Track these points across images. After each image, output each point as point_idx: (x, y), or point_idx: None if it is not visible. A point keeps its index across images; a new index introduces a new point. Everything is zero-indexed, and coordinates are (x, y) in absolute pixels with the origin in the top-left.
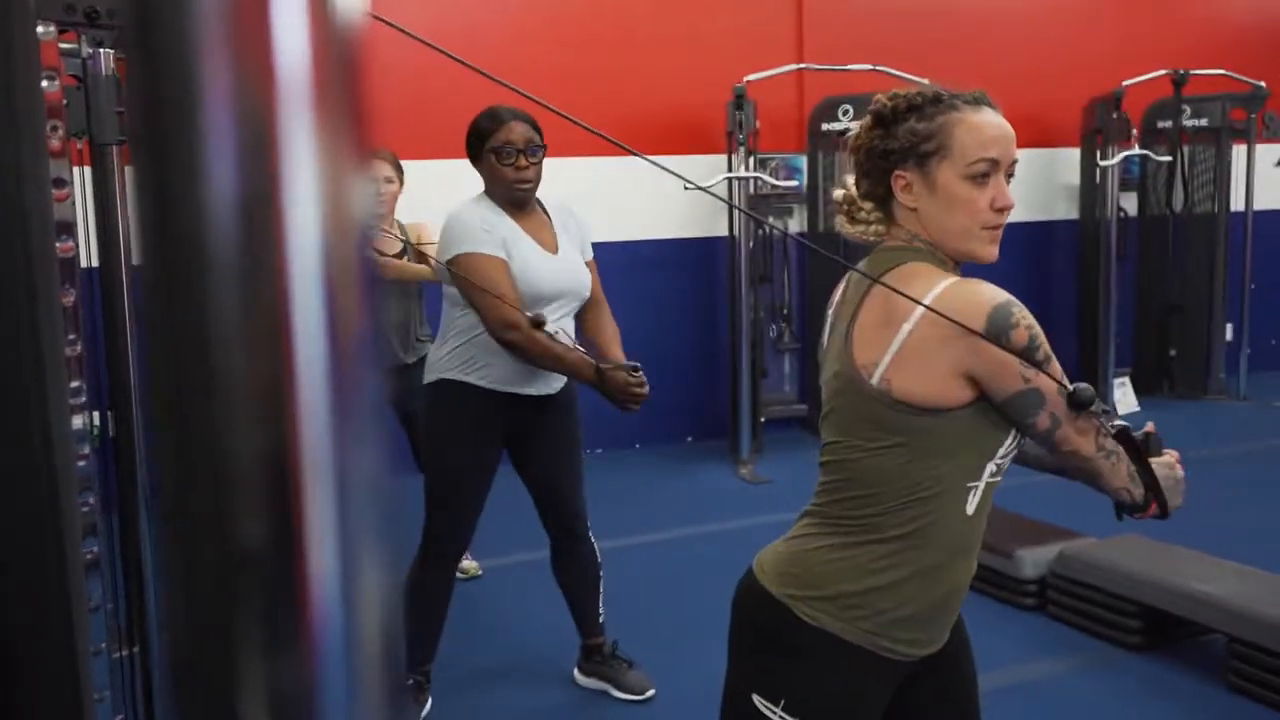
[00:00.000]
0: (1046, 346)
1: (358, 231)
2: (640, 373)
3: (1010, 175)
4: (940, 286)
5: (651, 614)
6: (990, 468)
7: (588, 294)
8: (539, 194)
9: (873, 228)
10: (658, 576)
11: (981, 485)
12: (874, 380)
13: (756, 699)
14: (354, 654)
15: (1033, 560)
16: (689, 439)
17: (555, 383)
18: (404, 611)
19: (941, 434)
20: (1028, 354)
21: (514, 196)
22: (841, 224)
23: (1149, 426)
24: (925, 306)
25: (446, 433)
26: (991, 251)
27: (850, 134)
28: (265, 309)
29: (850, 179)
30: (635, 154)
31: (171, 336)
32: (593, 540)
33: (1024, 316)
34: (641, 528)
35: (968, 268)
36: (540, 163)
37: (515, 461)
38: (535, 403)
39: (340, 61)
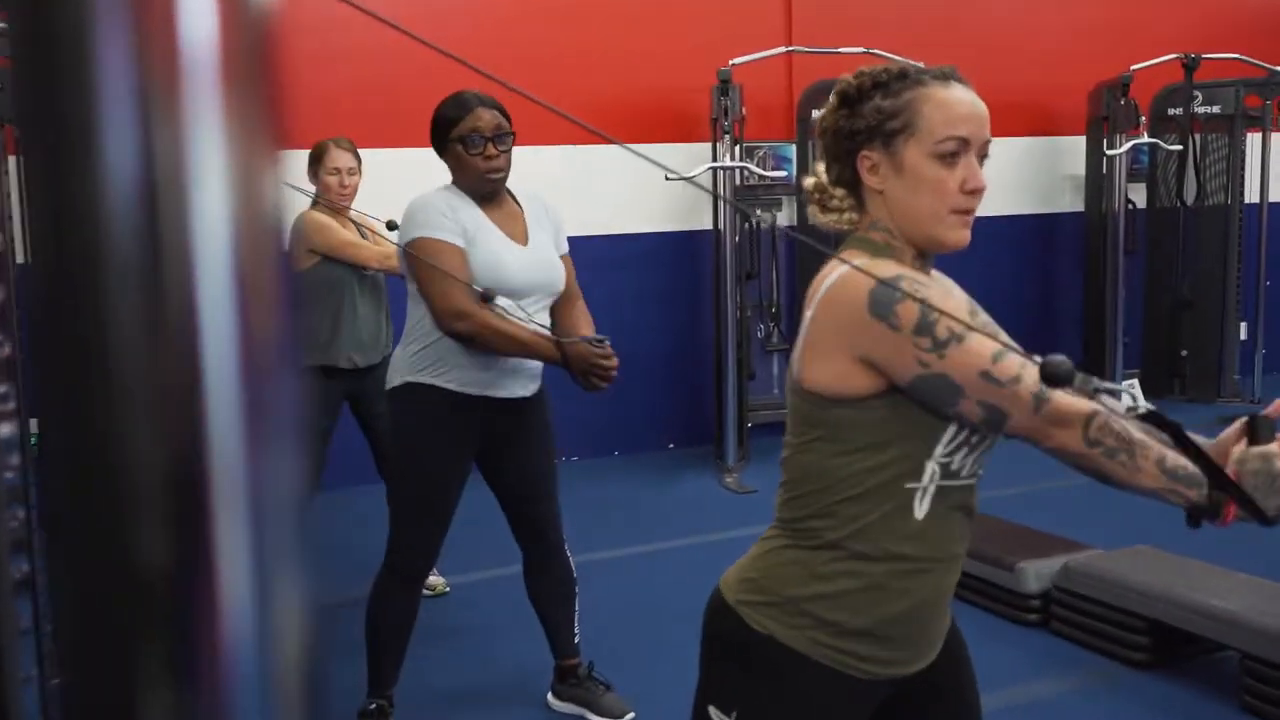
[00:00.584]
0: (957, 325)
1: (271, 226)
2: (606, 344)
3: (984, 156)
4: (840, 270)
5: (630, 632)
6: (931, 468)
7: (561, 288)
8: (510, 184)
9: (845, 215)
10: (637, 592)
11: (928, 487)
12: (794, 372)
13: (712, 710)
14: (270, 688)
15: (1035, 573)
16: (671, 446)
17: (528, 385)
18: (367, 634)
19: (858, 426)
20: (921, 332)
21: (483, 187)
22: (814, 213)
23: (1273, 408)
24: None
25: (415, 440)
26: (962, 236)
27: (818, 116)
28: (168, 308)
29: (820, 165)
30: (614, 142)
31: (65, 337)
32: (568, 554)
33: (916, 290)
34: (620, 540)
35: (984, 260)
36: (510, 151)
37: (486, 470)
38: (507, 406)
39: (252, 41)
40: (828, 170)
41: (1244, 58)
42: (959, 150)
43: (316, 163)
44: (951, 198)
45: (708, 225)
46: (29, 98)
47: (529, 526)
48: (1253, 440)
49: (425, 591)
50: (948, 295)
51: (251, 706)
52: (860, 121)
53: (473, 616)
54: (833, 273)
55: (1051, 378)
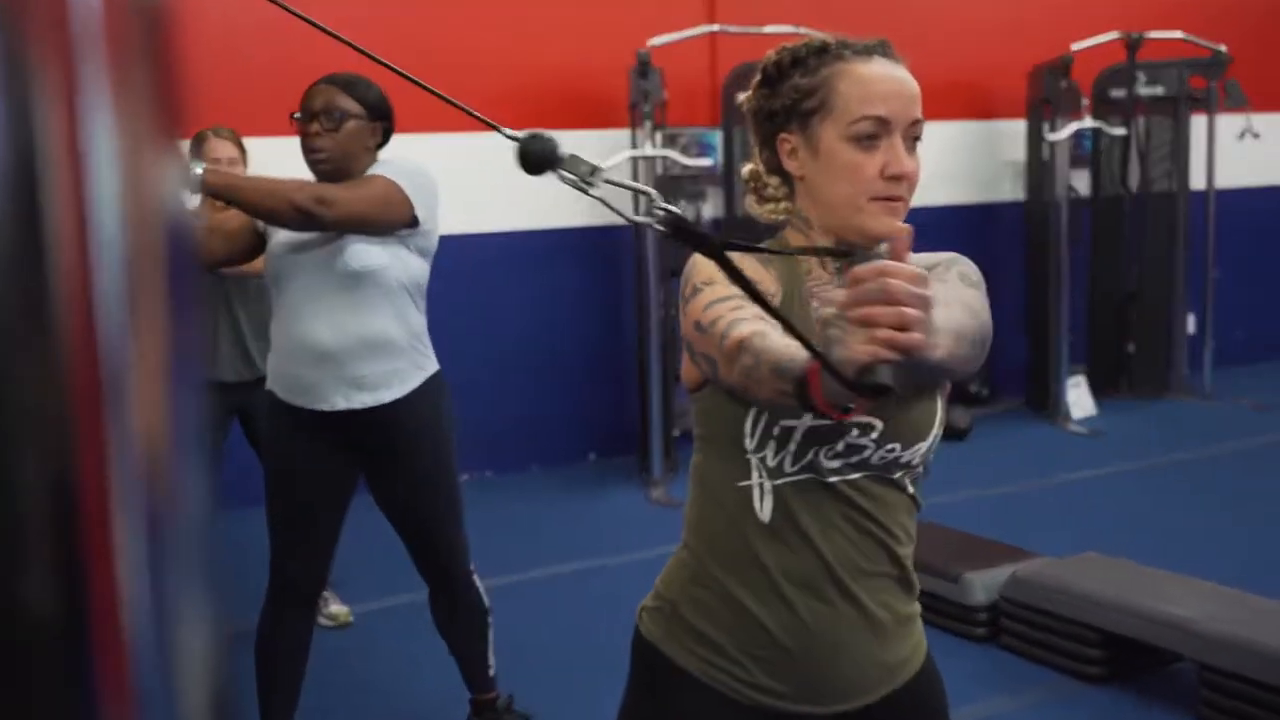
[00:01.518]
0: (704, 278)
1: (164, 216)
2: None
3: (914, 139)
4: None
5: (553, 660)
6: (754, 463)
7: (411, 276)
8: (387, 170)
9: (781, 205)
10: (559, 617)
11: (762, 485)
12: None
13: None
14: None
15: (982, 584)
16: (592, 457)
17: (350, 395)
18: (256, 667)
19: (698, 419)
20: (685, 298)
21: (311, 169)
22: (750, 203)
23: (897, 231)
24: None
25: (272, 453)
26: (886, 224)
27: (743, 97)
28: (48, 309)
29: (757, 151)
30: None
31: None
32: (476, 583)
33: (700, 271)
34: (539, 561)
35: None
36: (340, 132)
37: (371, 492)
38: (341, 422)
39: (145, 10)
40: (760, 156)
41: (1188, 36)
42: (878, 132)
43: (194, 153)
44: (870, 184)
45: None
46: None
47: (425, 556)
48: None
49: (325, 621)
50: (711, 262)
51: None
52: (778, 101)
53: (381, 648)
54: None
55: (531, 156)
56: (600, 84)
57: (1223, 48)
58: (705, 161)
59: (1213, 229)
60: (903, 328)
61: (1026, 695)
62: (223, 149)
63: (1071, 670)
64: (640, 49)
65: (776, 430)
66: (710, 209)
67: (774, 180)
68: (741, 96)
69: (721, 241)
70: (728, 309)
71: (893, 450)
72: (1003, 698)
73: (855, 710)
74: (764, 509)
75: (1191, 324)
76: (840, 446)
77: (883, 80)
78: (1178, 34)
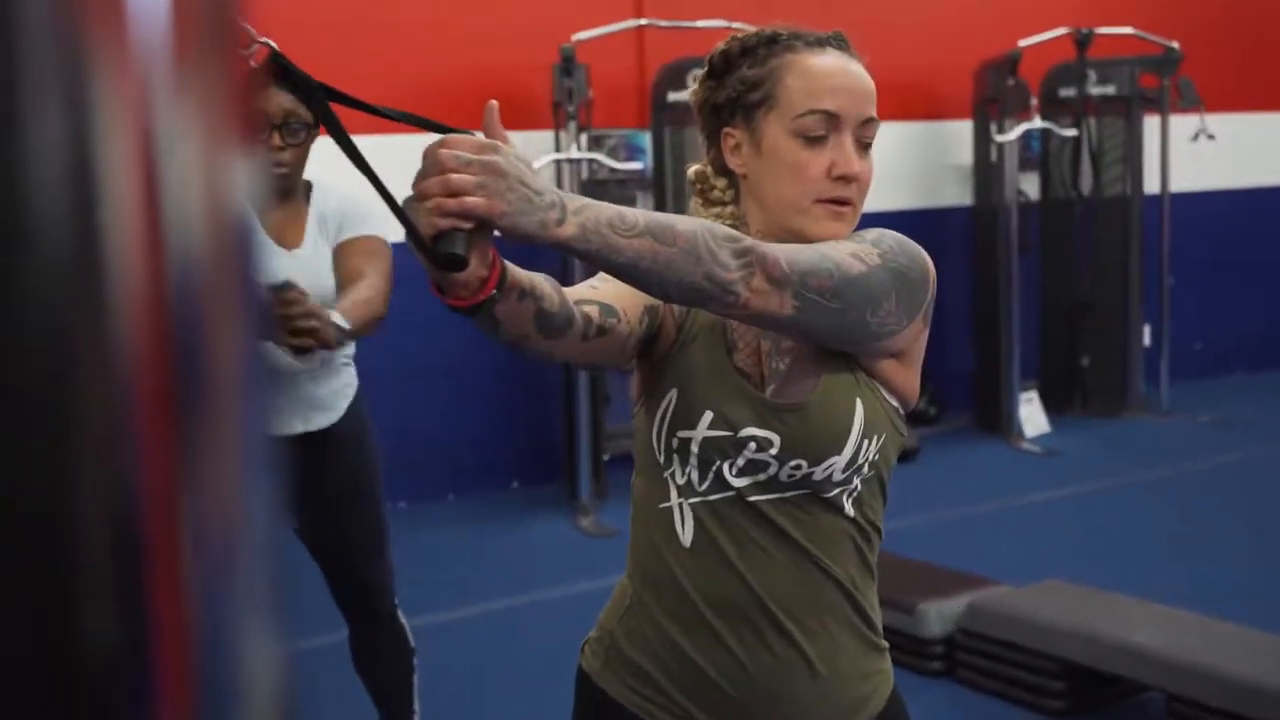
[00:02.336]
0: None
1: (235, 222)
2: (294, 291)
3: (867, 138)
4: None
5: (481, 703)
6: (669, 482)
7: (329, 292)
8: (317, 178)
9: (729, 208)
10: (485, 657)
11: (680, 505)
12: None
13: None
14: None
15: (938, 615)
16: (515, 484)
17: (309, 417)
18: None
19: (634, 437)
20: None
21: (270, 182)
22: (695, 207)
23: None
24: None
25: None
26: (830, 229)
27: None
28: (106, 322)
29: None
30: (434, 126)
31: None
32: (401, 620)
33: None
34: (462, 598)
35: None
36: (302, 144)
37: (292, 519)
38: (302, 445)
39: (212, 9)
40: (708, 154)
41: (1139, 32)
42: (826, 128)
43: None
44: (815, 185)
45: None
46: None
47: (348, 590)
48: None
49: None
50: None
51: None
52: (724, 94)
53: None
54: None
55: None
56: (521, 82)
57: (1175, 44)
58: (635, 165)
59: (1167, 235)
60: (454, 194)
61: None
62: None
63: (1033, 704)
64: (564, 44)
65: (675, 443)
66: None
67: (721, 182)
68: (674, 96)
69: (323, 86)
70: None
71: (799, 467)
72: None
73: None
74: (685, 531)
75: (1147, 335)
76: (741, 462)
77: (834, 74)
78: (1128, 30)
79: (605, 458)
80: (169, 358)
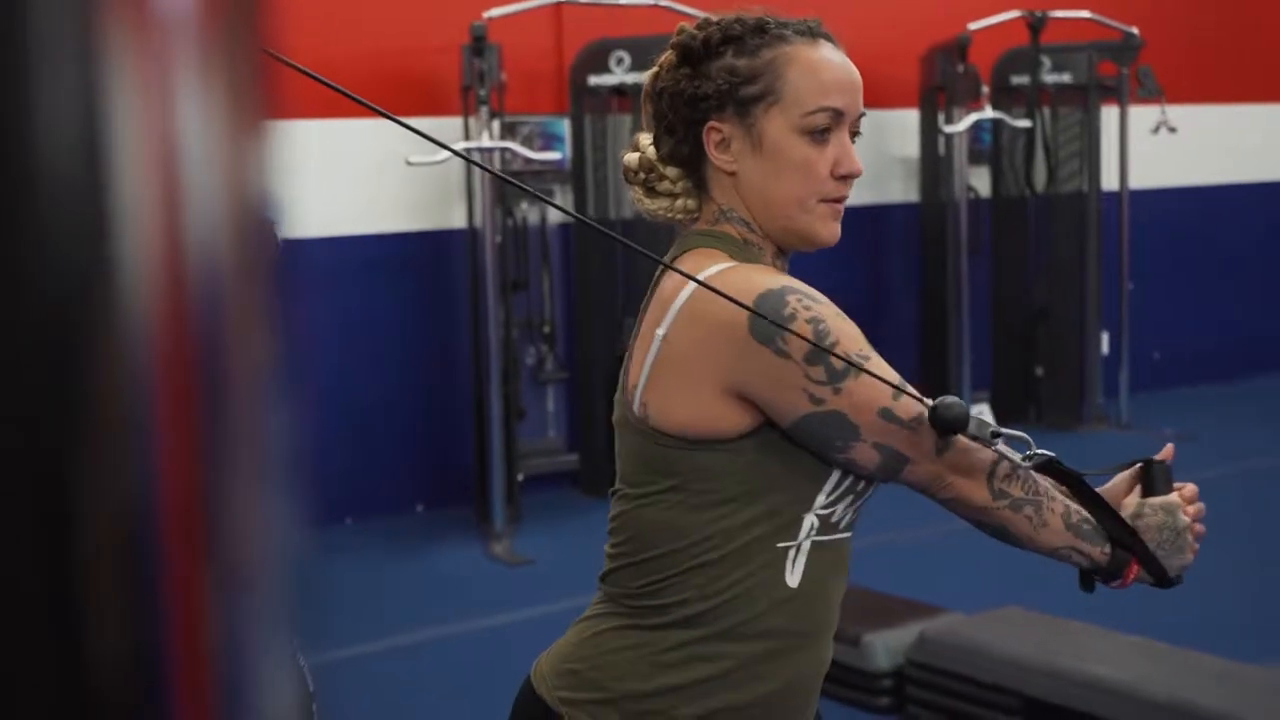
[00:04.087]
0: (859, 348)
1: (256, 215)
2: None
3: (855, 134)
4: (706, 273)
5: None
6: (809, 521)
7: None
8: None
9: (679, 201)
10: (390, 696)
11: (803, 544)
12: (635, 404)
13: None
14: None
15: (885, 647)
16: (420, 508)
17: None
18: None
19: (725, 474)
20: (814, 361)
21: None
22: (638, 198)
23: (1165, 451)
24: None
25: None
26: (833, 230)
27: (646, 77)
28: (119, 316)
29: (645, 138)
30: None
31: None
32: (299, 661)
33: (808, 307)
34: (363, 633)
35: (800, 259)
36: None
37: None
38: None
39: None
40: (657, 143)
41: (1096, 16)
42: (831, 125)
43: None
44: (821, 183)
45: (461, 224)
46: None
47: None
48: (1148, 490)
49: None
50: (841, 315)
51: None
52: (708, 84)
53: None
54: (701, 272)
55: (942, 421)
56: (427, 63)
57: (1135, 30)
58: (552, 155)
59: (1126, 235)
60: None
61: None
62: None
63: None
64: (475, 22)
65: (860, 485)
66: (557, 212)
67: (673, 172)
68: (595, 81)
69: (1081, 475)
70: (918, 405)
71: (874, 489)
72: None
73: None
74: (795, 569)
75: (1105, 343)
76: (869, 493)
77: (836, 67)
78: (1085, 14)
79: (520, 478)
80: (189, 351)
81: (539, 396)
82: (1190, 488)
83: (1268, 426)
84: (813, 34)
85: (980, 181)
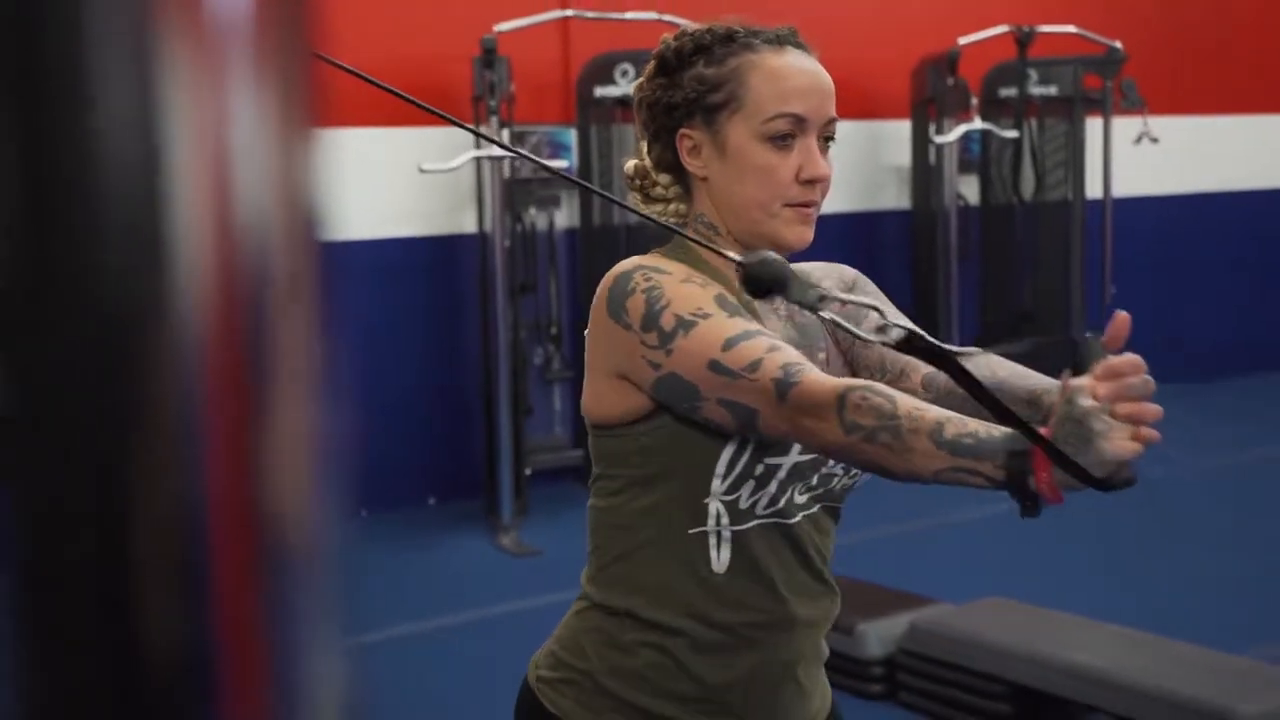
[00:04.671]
0: (695, 307)
1: (305, 217)
2: None
3: (828, 138)
4: (614, 270)
5: None
6: (714, 507)
7: None
8: None
9: (672, 206)
10: (400, 684)
11: (722, 533)
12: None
13: None
14: None
15: (877, 636)
16: (431, 501)
17: None
18: None
19: (626, 458)
20: (648, 326)
21: None
22: (635, 202)
23: (1113, 325)
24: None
25: None
26: (800, 234)
27: (633, 88)
28: (172, 317)
29: (644, 146)
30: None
31: (43, 348)
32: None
33: (648, 278)
34: (376, 621)
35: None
36: None
37: None
38: None
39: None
40: (649, 151)
41: (1082, 31)
42: (793, 131)
43: None
44: (784, 188)
45: (470, 229)
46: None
47: None
48: (1077, 373)
49: None
50: (690, 281)
51: None
52: (679, 93)
53: None
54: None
55: (754, 280)
56: (440, 74)
57: (1118, 44)
58: (560, 163)
59: (1109, 242)
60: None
61: None
62: None
63: None
64: (485, 35)
65: (759, 469)
66: (564, 217)
67: (664, 179)
68: (600, 92)
69: (955, 352)
70: (762, 349)
71: (855, 475)
72: None
73: None
74: (720, 557)
75: None
76: (814, 480)
77: (799, 74)
78: (1071, 29)
79: (527, 472)
80: (239, 351)
81: (546, 395)
82: (1117, 361)
83: (1241, 423)
84: (781, 41)
85: (969, 190)
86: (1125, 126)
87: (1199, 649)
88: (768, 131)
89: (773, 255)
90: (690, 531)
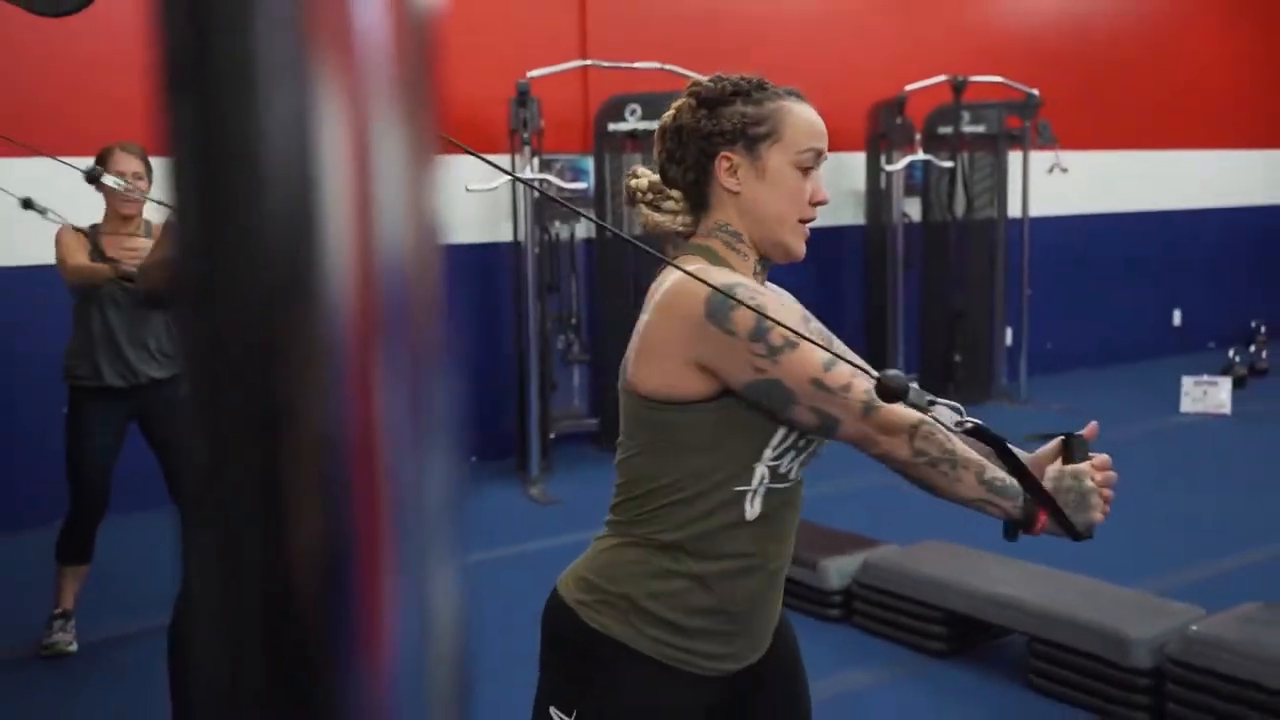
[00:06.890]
0: (789, 332)
1: (429, 221)
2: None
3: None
4: (681, 274)
5: None
6: (760, 471)
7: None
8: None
9: (679, 217)
10: None
11: (757, 489)
12: (627, 376)
13: (553, 711)
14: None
15: (837, 570)
16: (473, 458)
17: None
18: (169, 665)
19: (687, 429)
20: (756, 338)
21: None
22: (644, 213)
23: (1088, 429)
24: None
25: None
26: (802, 246)
27: (665, 117)
28: (320, 290)
29: (641, 169)
30: (468, 151)
31: (213, 353)
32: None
33: (752, 297)
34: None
35: (775, 269)
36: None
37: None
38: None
39: (420, 28)
40: (664, 170)
41: (1006, 80)
42: (814, 164)
43: (100, 167)
44: (803, 207)
45: (507, 237)
46: (180, 73)
47: None
48: (1067, 459)
49: (45, 651)
50: (781, 304)
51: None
52: (724, 124)
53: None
54: (669, 278)
55: (887, 392)
56: (483, 111)
57: (1035, 91)
58: (579, 185)
59: (1027, 252)
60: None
61: (878, 669)
62: (128, 164)
63: (917, 646)
64: (520, 80)
65: (802, 442)
66: (584, 230)
67: (676, 193)
68: (614, 127)
69: (1004, 439)
70: (849, 374)
71: (824, 445)
72: (856, 672)
73: (762, 655)
74: (753, 508)
75: (1009, 337)
76: (813, 452)
77: (818, 121)
78: (997, 78)
79: (551, 436)
80: (375, 326)
81: (567, 374)
82: (1102, 458)
83: (1128, 399)
84: (799, 97)
85: (913, 209)
86: (1041, 159)
87: (1098, 583)
88: (800, 161)
89: (896, 372)
90: (735, 489)
